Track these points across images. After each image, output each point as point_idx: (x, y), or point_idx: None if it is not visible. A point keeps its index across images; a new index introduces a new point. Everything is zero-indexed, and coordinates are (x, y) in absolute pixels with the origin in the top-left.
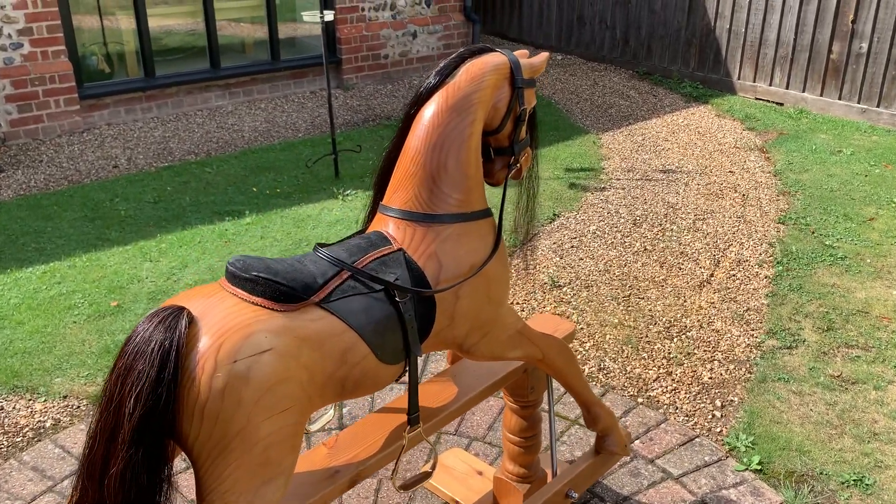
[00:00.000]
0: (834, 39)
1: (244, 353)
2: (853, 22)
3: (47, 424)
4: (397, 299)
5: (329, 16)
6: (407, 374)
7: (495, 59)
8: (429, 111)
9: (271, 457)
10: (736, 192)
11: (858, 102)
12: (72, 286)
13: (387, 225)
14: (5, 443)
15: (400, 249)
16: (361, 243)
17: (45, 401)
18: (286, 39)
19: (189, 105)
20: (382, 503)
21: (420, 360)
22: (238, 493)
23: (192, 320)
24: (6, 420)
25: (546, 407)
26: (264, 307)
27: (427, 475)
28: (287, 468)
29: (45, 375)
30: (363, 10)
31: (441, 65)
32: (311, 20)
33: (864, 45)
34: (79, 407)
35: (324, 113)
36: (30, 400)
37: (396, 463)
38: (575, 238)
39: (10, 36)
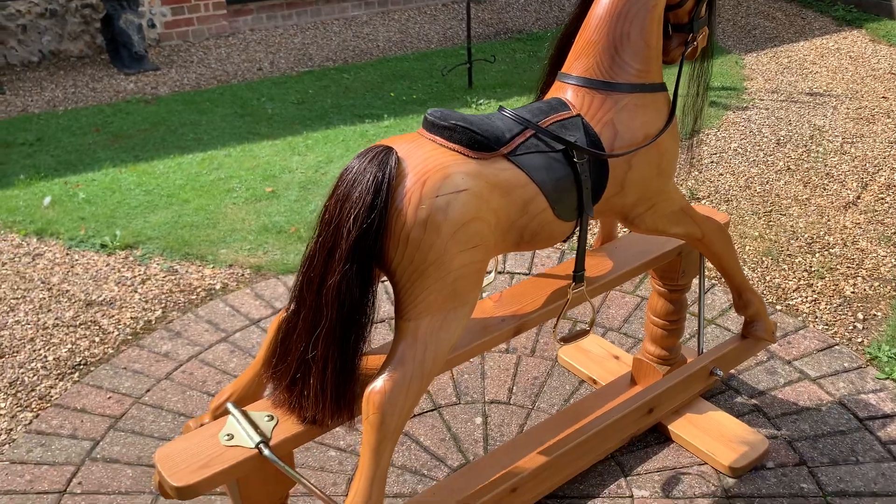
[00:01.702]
0: None
1: (444, 190)
2: None
3: (217, 287)
4: (575, 160)
5: None
6: (576, 234)
7: None
8: None
9: (459, 288)
10: (889, 117)
11: None
12: (229, 172)
13: (565, 92)
14: (182, 299)
15: (578, 115)
16: (543, 107)
17: (213, 267)
18: None
19: (327, 14)
20: (521, 375)
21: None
22: (431, 314)
23: (398, 159)
24: (181, 281)
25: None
26: (460, 153)
27: (585, 332)
28: (471, 302)
29: (212, 246)
30: None
31: None
32: None
33: None
34: (243, 275)
35: (455, 25)
36: (200, 266)
37: (559, 317)
38: (715, 154)
39: None
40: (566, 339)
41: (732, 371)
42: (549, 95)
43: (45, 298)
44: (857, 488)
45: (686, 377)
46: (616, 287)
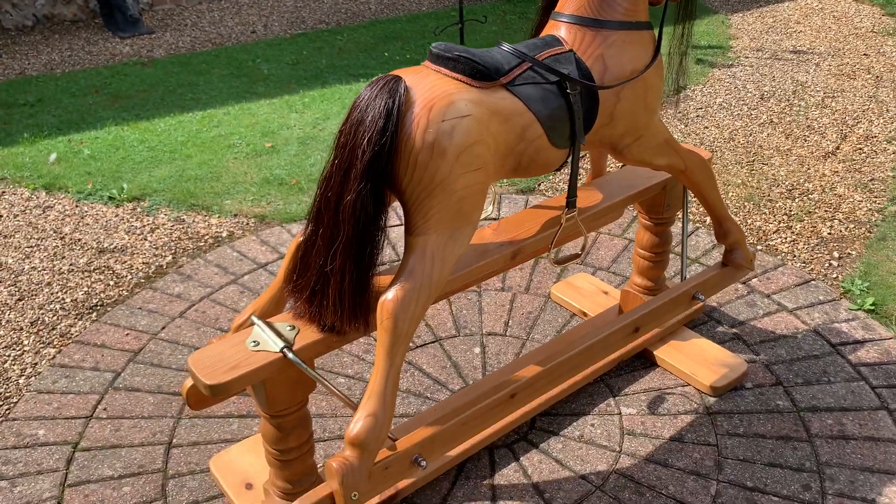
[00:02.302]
0: None
1: (449, 115)
2: None
3: (223, 234)
4: (568, 91)
5: None
6: (570, 162)
7: None
8: None
9: (464, 208)
10: (869, 73)
11: None
12: (229, 129)
13: (559, 29)
14: (191, 246)
15: (571, 50)
16: (538, 42)
17: (219, 217)
18: None
19: None
20: (517, 310)
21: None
22: (438, 231)
23: (406, 88)
24: (189, 229)
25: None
26: (463, 82)
27: (576, 255)
28: (474, 221)
29: (216, 198)
30: None
31: None
32: None
33: None
34: (248, 223)
35: None
36: (206, 216)
37: (553, 240)
38: (700, 109)
39: None
40: (559, 261)
41: (714, 304)
42: (544, 33)
43: (58, 246)
44: (828, 404)
45: (670, 299)
46: (606, 224)
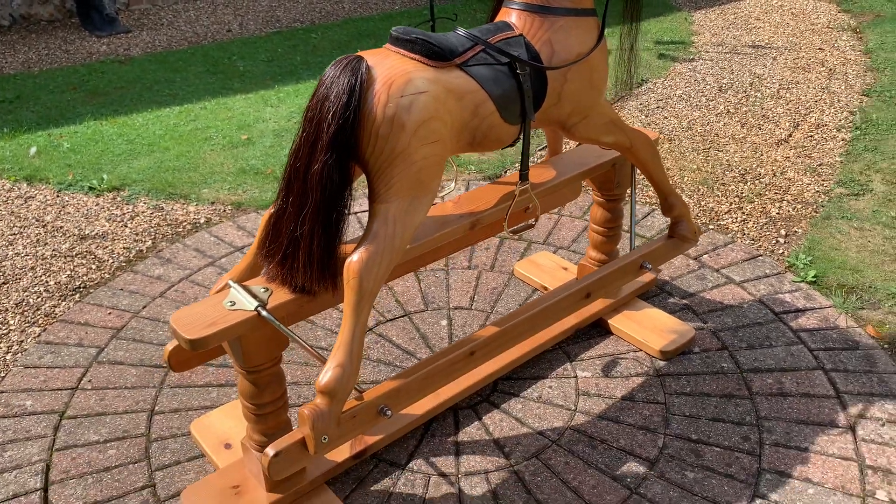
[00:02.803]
0: None
1: (408, 91)
2: None
3: (201, 221)
4: (518, 72)
5: None
6: (521, 139)
7: None
8: None
9: (422, 178)
10: (823, 66)
11: None
12: (205, 123)
13: (510, 16)
14: (170, 232)
15: (521, 35)
16: (491, 28)
17: (196, 204)
18: None
19: None
20: (482, 286)
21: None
22: (399, 198)
23: (368, 67)
24: (168, 216)
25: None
26: (421, 62)
27: (531, 225)
28: (432, 190)
29: (194, 187)
30: None
31: None
32: None
33: None
34: (224, 210)
35: None
36: (184, 204)
37: (508, 210)
38: (661, 100)
39: None
40: (515, 230)
41: (667, 278)
42: (497, 19)
43: (40, 234)
44: (769, 366)
45: (619, 267)
46: (565, 202)
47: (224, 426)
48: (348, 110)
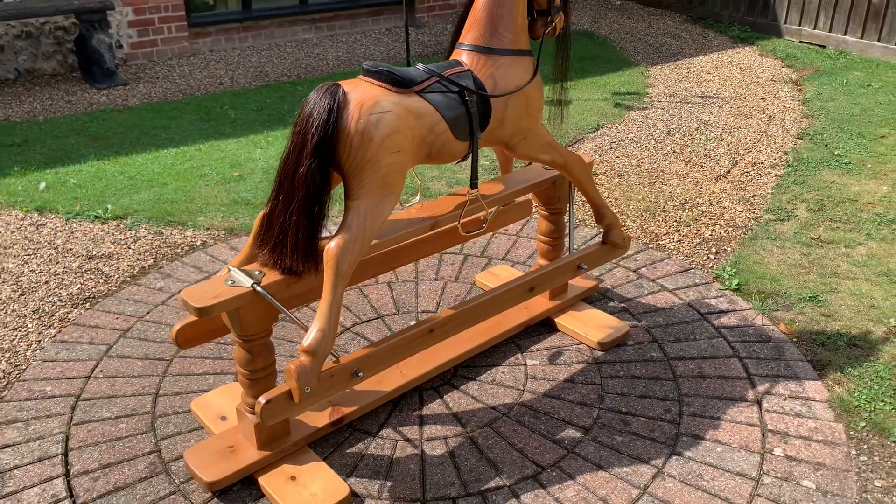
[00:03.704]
0: None
1: (376, 110)
2: None
3: (198, 243)
4: (466, 99)
5: None
6: (471, 154)
7: None
8: None
9: (388, 180)
10: (764, 113)
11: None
12: (200, 162)
13: (461, 55)
14: (169, 252)
15: (469, 70)
16: (444, 64)
17: (193, 230)
18: None
19: (280, 37)
20: (447, 294)
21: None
22: (369, 196)
23: (344, 92)
24: (167, 239)
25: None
26: (387, 88)
27: (484, 229)
28: (396, 191)
29: (190, 215)
30: None
31: None
32: None
33: None
34: (219, 235)
35: (397, 46)
36: (182, 229)
37: (461, 213)
38: (614, 142)
39: None
40: (467, 232)
41: (608, 286)
42: (451, 58)
43: (52, 254)
44: (692, 354)
45: (557, 266)
46: (518, 219)
47: (220, 403)
48: (328, 125)
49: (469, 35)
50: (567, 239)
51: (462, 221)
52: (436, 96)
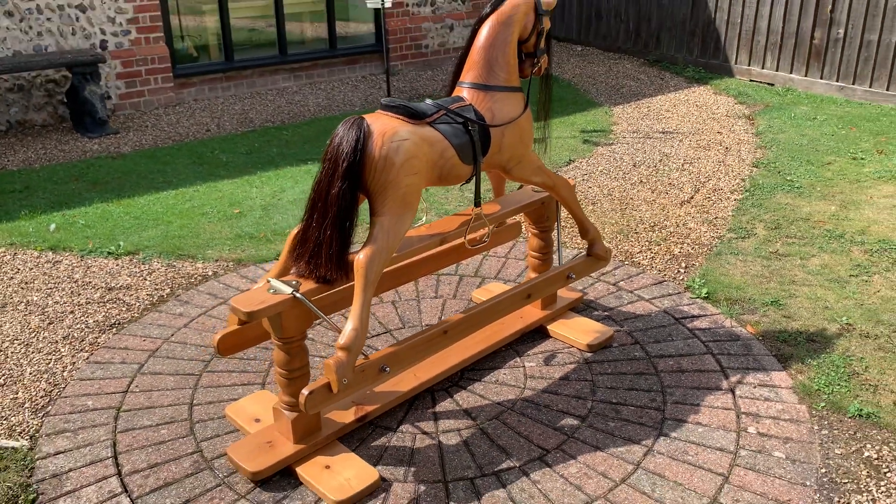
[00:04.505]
0: (816, 27)
1: (396, 139)
2: (831, 11)
3: (209, 273)
4: (470, 129)
5: (388, 2)
6: (474, 176)
7: None
8: (487, 25)
9: (407, 199)
10: (721, 145)
11: (837, 81)
12: (200, 202)
13: (462, 91)
14: (184, 282)
15: (470, 104)
16: (449, 100)
17: (203, 262)
18: (341, 32)
19: (261, 86)
20: (447, 309)
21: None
22: (391, 214)
23: (368, 124)
24: (180, 271)
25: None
26: (403, 120)
27: (486, 242)
28: (413, 208)
29: (199, 249)
30: (407, 5)
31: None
32: (374, 5)
33: (841, 32)
34: (228, 265)
35: (374, 93)
36: (192, 262)
37: (468, 228)
38: (586, 174)
39: (121, 24)
40: (472, 243)
41: (591, 298)
42: (453, 94)
43: (73, 287)
44: (671, 353)
45: (550, 276)
46: (510, 240)
47: (252, 408)
48: (356, 152)
49: (468, 74)
50: (556, 254)
51: (468, 237)
52: (444, 126)
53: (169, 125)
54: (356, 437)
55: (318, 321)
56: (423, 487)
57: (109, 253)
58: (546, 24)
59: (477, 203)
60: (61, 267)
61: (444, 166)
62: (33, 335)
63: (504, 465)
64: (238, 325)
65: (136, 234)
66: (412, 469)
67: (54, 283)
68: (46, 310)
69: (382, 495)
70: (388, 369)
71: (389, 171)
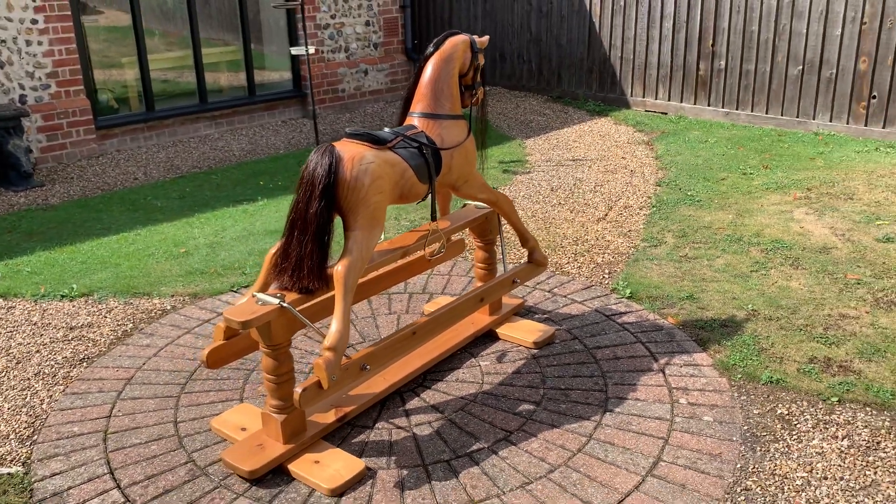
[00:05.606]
0: (700, 59)
1: (364, 163)
2: (713, 46)
3: (168, 307)
4: (424, 152)
5: (312, 49)
6: (430, 194)
7: (463, 36)
8: (431, 62)
9: (376, 215)
10: (626, 169)
11: (722, 107)
12: (144, 244)
13: (413, 121)
14: (144, 317)
15: (422, 131)
16: (404, 128)
17: (159, 298)
18: (259, 80)
19: (182, 134)
20: (401, 322)
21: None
22: (362, 228)
23: (338, 151)
24: (139, 307)
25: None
26: (368, 146)
27: (441, 253)
28: (381, 224)
29: (152, 286)
30: (323, 52)
31: (435, 40)
32: (298, 52)
33: (723, 63)
34: (184, 299)
35: (296, 136)
36: (148, 298)
37: (426, 241)
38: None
39: (40, 79)
40: (431, 254)
41: (531, 304)
42: (406, 123)
43: (34, 329)
44: (606, 344)
45: (498, 281)
46: (455, 255)
47: (237, 419)
48: (330, 175)
49: (418, 105)
50: (501, 263)
51: (427, 249)
52: (403, 150)
53: (95, 175)
54: (338, 436)
55: (302, 329)
56: (405, 472)
57: (63, 296)
58: (481, 59)
59: (433, 217)
60: (16, 312)
61: (404, 185)
62: (3, 374)
63: (475, 447)
64: (224, 339)
65: (86, 277)
66: (393, 458)
67: (13, 327)
68: (11, 351)
69: (370, 481)
70: (367, 367)
71: (360, 191)
